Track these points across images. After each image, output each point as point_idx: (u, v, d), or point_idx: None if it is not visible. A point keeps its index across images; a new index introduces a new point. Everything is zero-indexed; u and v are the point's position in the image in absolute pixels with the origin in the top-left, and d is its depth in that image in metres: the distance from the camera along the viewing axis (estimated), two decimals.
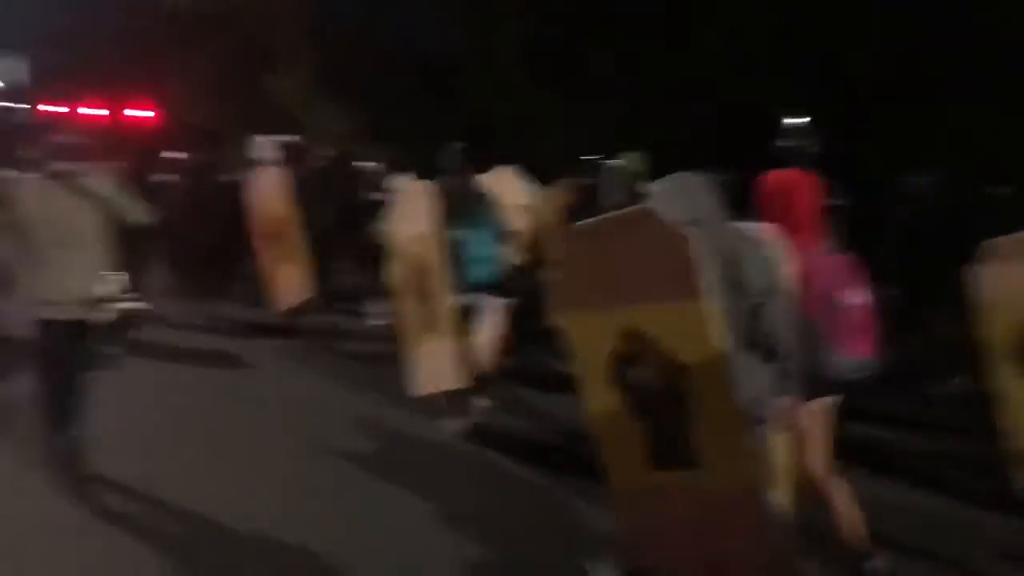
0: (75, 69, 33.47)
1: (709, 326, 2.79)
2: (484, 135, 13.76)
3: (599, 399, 3.08)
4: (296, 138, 11.97)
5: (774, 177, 3.64)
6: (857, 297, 3.42)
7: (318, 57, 18.61)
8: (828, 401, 3.42)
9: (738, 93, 11.68)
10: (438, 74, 16.54)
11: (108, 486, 4.46)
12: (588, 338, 3.06)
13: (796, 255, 3.20)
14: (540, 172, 7.24)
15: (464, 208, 5.58)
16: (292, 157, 8.71)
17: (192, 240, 9.65)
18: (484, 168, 6.30)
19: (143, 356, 6.58)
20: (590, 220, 3.15)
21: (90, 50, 33.72)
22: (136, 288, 4.44)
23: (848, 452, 3.62)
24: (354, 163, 12.17)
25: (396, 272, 5.62)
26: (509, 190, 6.30)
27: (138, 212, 4.70)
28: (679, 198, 3.04)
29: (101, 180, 4.63)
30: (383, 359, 6.50)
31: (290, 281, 8.00)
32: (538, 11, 14.74)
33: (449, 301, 5.39)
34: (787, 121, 3.91)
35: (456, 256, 5.41)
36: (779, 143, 3.78)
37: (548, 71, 14.63)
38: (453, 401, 5.52)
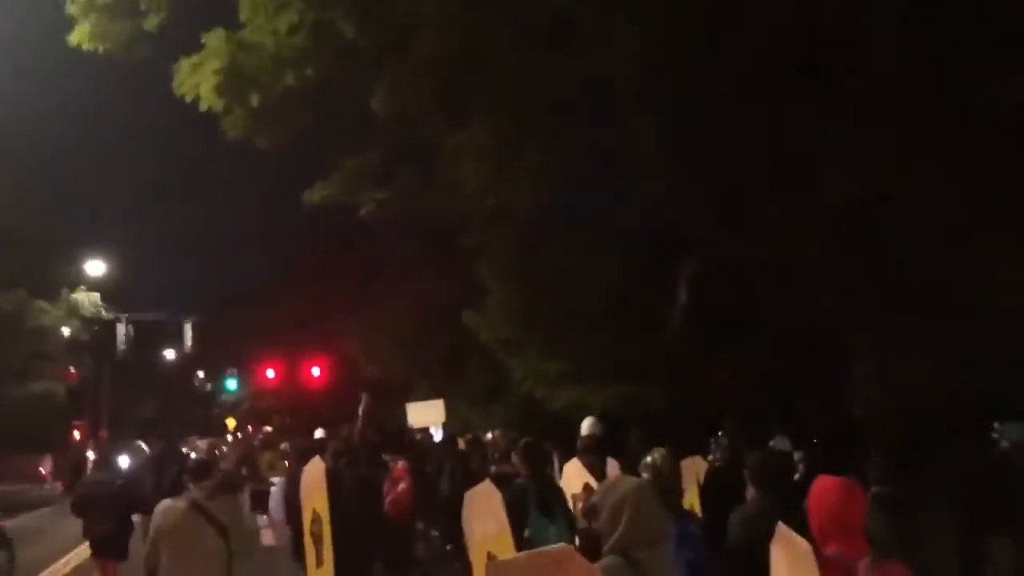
0: (248, 326, 33.21)
1: None
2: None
3: None
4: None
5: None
6: None
7: (524, 289, 16.06)
8: None
9: None
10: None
11: None
12: None
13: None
14: None
15: (549, 504, 5.60)
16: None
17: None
18: None
19: None
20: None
21: (264, 303, 33.21)
22: None
23: None
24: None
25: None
26: (576, 481, 6.01)
27: (251, 543, 5.69)
28: None
29: (229, 506, 5.52)
30: None
31: None
32: None
33: None
34: None
35: None
36: None
37: None
38: None
